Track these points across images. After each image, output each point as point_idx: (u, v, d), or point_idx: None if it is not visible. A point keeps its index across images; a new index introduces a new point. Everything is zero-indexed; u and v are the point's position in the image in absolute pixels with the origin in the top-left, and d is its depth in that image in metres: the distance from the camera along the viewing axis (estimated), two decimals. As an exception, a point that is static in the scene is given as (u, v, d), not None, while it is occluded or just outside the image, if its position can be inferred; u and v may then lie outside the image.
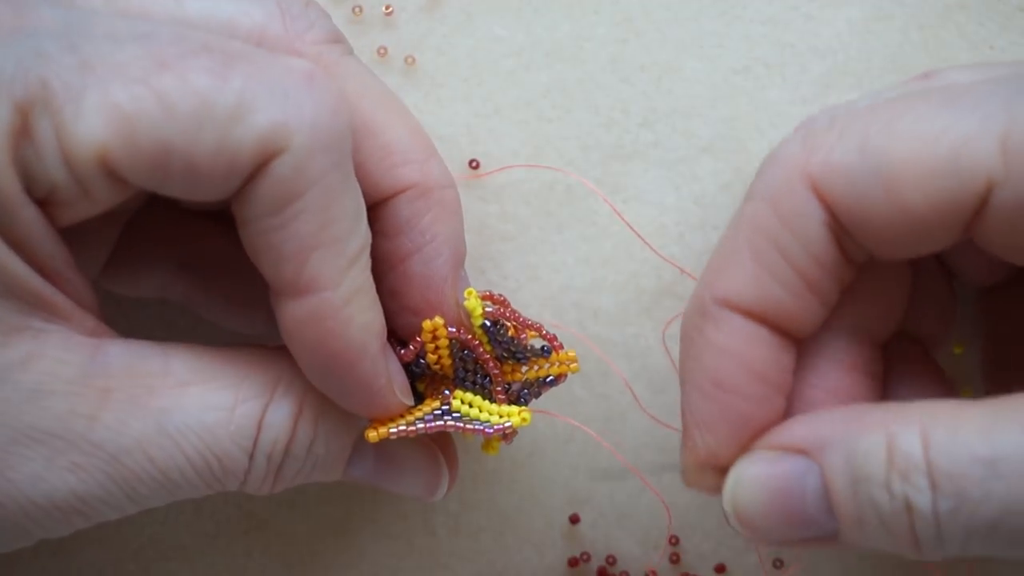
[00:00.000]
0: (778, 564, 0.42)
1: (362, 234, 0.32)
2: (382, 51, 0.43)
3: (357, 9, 0.43)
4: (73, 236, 0.35)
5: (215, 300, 0.39)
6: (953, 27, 0.43)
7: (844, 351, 0.35)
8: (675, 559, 0.42)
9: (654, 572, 0.42)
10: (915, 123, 0.31)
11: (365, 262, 0.33)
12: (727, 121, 0.42)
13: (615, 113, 0.43)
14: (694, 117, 0.43)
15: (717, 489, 0.34)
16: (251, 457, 0.33)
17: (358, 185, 0.33)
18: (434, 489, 0.38)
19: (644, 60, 0.43)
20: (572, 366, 0.37)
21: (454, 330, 0.35)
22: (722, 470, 0.34)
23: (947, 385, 0.37)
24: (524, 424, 0.35)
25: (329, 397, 0.34)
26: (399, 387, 0.35)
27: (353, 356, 0.32)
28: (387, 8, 0.43)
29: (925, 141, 0.30)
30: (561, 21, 0.43)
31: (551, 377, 0.37)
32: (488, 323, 0.36)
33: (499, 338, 0.36)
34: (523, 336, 0.36)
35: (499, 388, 0.36)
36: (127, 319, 0.42)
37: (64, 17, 0.31)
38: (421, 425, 0.35)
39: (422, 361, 0.36)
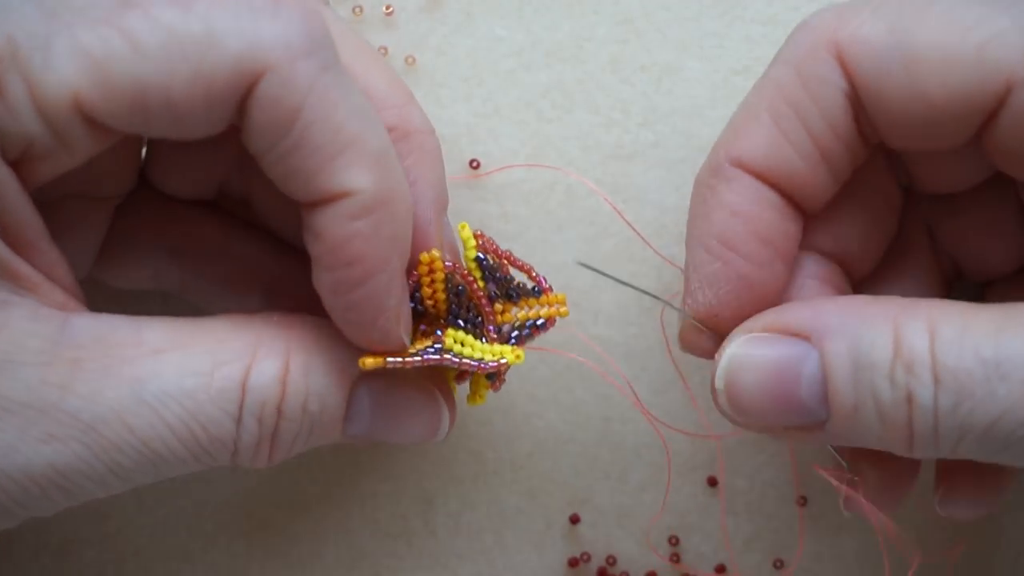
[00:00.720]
0: (778, 564, 0.42)
1: (379, 130, 0.32)
2: (382, 51, 0.42)
3: (357, 9, 0.43)
4: (64, 227, 0.34)
5: (208, 286, 0.39)
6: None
7: (821, 272, 0.36)
8: (675, 559, 0.42)
9: (654, 573, 0.42)
10: (948, 12, 0.31)
11: (392, 162, 0.32)
12: (727, 121, 0.42)
13: (615, 113, 0.43)
14: (694, 117, 0.43)
15: (709, 354, 0.34)
16: (238, 422, 0.32)
17: (356, 84, 0.32)
18: (436, 429, 0.36)
19: (644, 60, 0.43)
20: (562, 309, 0.36)
21: (450, 263, 0.35)
22: (718, 335, 0.34)
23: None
24: (518, 362, 0.35)
25: (333, 315, 0.33)
26: (404, 320, 0.34)
27: (372, 265, 0.32)
28: (387, 8, 0.43)
29: (953, 31, 0.30)
30: (561, 21, 0.43)
31: (541, 320, 0.36)
32: (482, 255, 0.35)
33: (492, 272, 0.36)
34: (510, 275, 0.36)
35: (491, 327, 0.36)
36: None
37: None
38: (418, 358, 0.34)
39: (416, 294, 0.35)
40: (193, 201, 0.39)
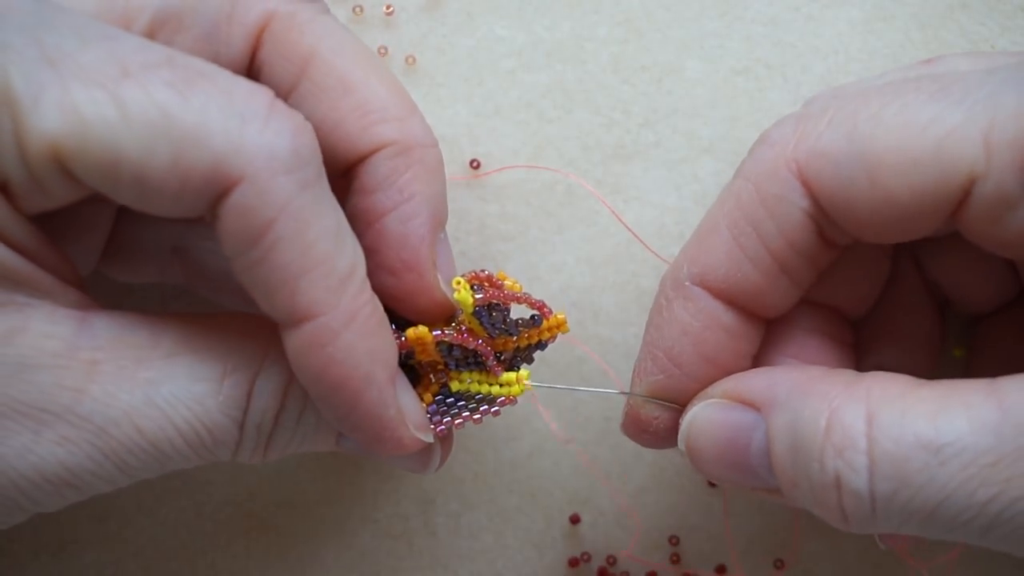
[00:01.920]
0: (779, 564, 0.42)
1: (350, 252, 0.32)
2: (382, 51, 0.42)
3: (358, 9, 0.43)
4: (68, 226, 0.34)
5: (212, 280, 0.39)
6: (954, 27, 0.43)
7: (815, 323, 0.37)
8: (675, 559, 0.42)
9: (654, 573, 0.42)
10: (902, 112, 0.31)
11: (361, 282, 0.32)
12: (728, 121, 0.42)
13: (616, 113, 0.43)
14: (695, 117, 0.42)
15: (647, 443, 0.36)
16: (241, 428, 0.33)
17: (337, 203, 0.32)
18: (427, 463, 0.37)
19: (645, 61, 0.43)
20: (562, 328, 0.36)
21: (439, 333, 0.35)
22: (654, 430, 0.36)
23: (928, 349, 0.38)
24: (528, 390, 0.36)
25: (342, 431, 0.34)
26: (413, 421, 0.34)
27: (357, 385, 0.32)
28: (387, 8, 0.43)
29: (911, 131, 0.31)
30: (562, 21, 0.43)
31: (542, 342, 0.37)
32: (480, 309, 0.35)
33: (492, 321, 0.35)
34: (508, 311, 0.36)
35: (492, 366, 0.36)
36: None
37: (34, 7, 0.30)
38: (443, 427, 0.35)
39: (410, 360, 0.36)
40: None
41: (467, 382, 0.36)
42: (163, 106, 0.29)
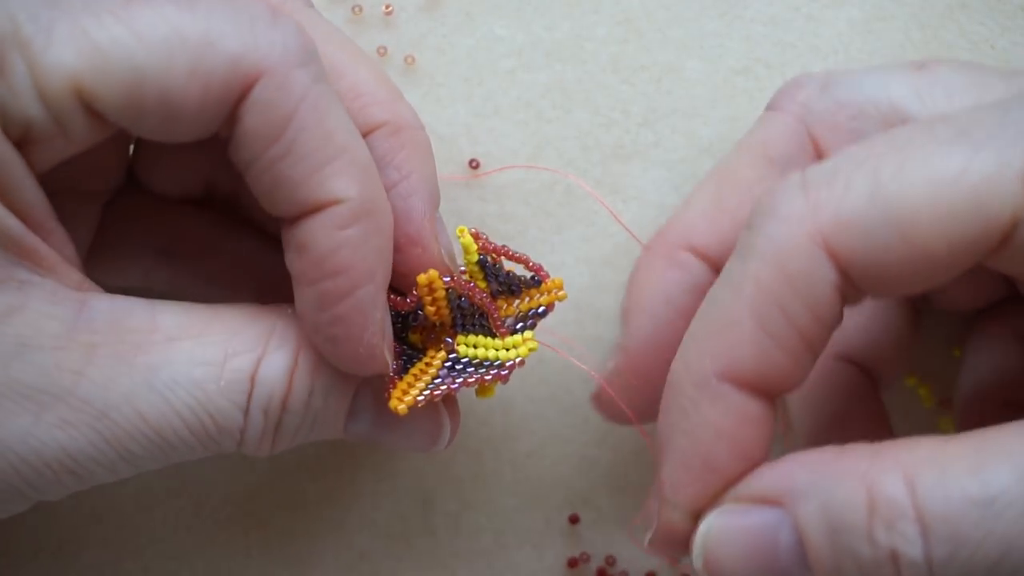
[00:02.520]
0: (778, 564, 0.42)
1: (364, 145, 0.32)
2: (382, 51, 0.42)
3: (357, 8, 0.43)
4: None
5: (198, 284, 0.39)
6: (954, 27, 0.43)
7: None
8: (675, 559, 0.42)
9: (654, 573, 0.42)
10: (927, 165, 0.29)
11: (376, 175, 0.32)
12: (728, 121, 0.42)
13: (615, 113, 0.43)
14: (695, 117, 0.42)
15: (683, 553, 0.33)
16: (246, 413, 0.32)
17: (341, 99, 0.32)
18: (436, 439, 0.36)
19: (644, 60, 0.43)
20: (560, 293, 0.36)
21: (449, 279, 0.35)
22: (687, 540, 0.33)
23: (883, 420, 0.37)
24: (533, 351, 0.35)
25: (316, 335, 0.33)
26: (387, 338, 0.34)
27: (358, 276, 0.32)
28: (387, 8, 0.43)
29: (942, 184, 0.29)
30: (561, 21, 0.43)
31: (543, 307, 0.36)
32: (483, 257, 0.35)
33: (494, 272, 0.36)
34: (510, 270, 0.36)
35: (498, 323, 0.36)
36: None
37: None
38: (444, 387, 0.34)
39: (420, 313, 0.36)
40: (182, 199, 0.39)
41: (473, 347, 0.36)
42: (173, 21, 0.29)
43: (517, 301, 0.36)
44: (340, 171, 0.31)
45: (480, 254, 0.35)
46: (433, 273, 0.34)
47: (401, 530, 0.42)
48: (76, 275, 0.32)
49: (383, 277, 0.33)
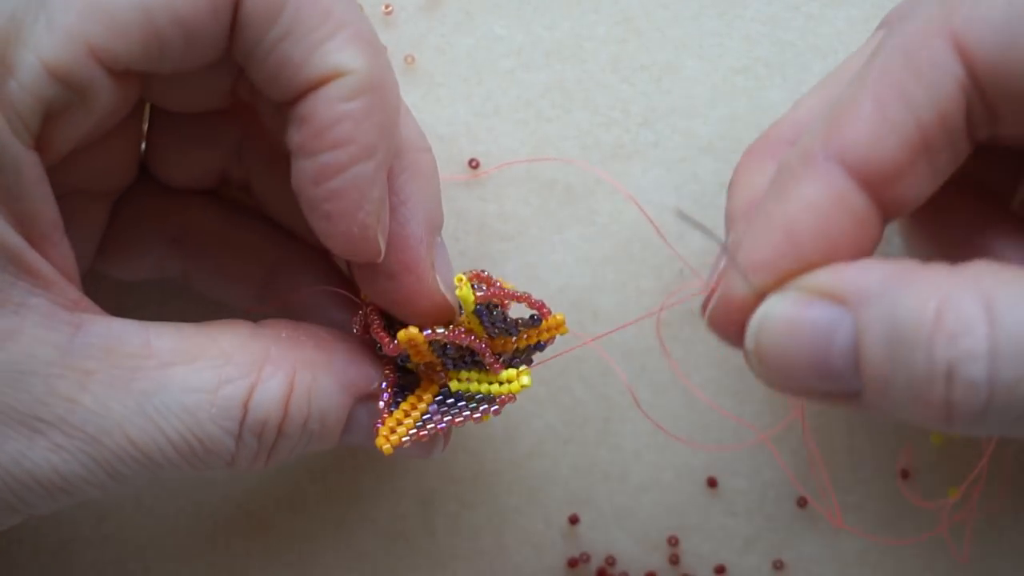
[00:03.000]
0: (778, 565, 0.42)
1: (367, 20, 0.32)
2: (381, 51, 0.42)
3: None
4: (64, 223, 0.35)
5: (210, 274, 0.39)
6: (954, 26, 0.43)
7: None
8: (674, 560, 0.42)
9: (653, 573, 0.42)
10: None
11: (381, 48, 0.32)
12: (727, 121, 0.42)
13: (615, 113, 0.43)
14: (694, 117, 0.42)
15: (735, 339, 0.32)
16: (238, 438, 0.32)
17: None
18: (431, 450, 0.37)
19: (644, 60, 0.43)
20: (561, 329, 0.36)
21: (430, 332, 0.34)
22: (744, 322, 0.31)
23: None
24: (526, 388, 0.35)
25: (310, 211, 0.32)
26: (382, 224, 0.33)
27: (360, 149, 0.31)
28: (387, 7, 0.43)
29: None
30: (561, 20, 0.43)
31: (542, 342, 0.36)
32: (480, 307, 0.35)
33: (492, 319, 0.35)
34: (508, 311, 0.36)
35: (491, 359, 0.36)
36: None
37: None
38: (432, 427, 0.34)
39: (406, 363, 0.36)
40: (193, 190, 0.39)
41: (466, 381, 0.36)
42: None
43: (515, 338, 0.36)
44: (344, 44, 0.31)
45: (478, 304, 0.35)
46: (413, 331, 0.34)
47: (401, 530, 0.42)
48: (73, 292, 0.32)
49: (384, 155, 0.32)
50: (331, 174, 0.31)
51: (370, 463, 0.42)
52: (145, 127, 0.37)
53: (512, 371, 0.36)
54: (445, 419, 0.35)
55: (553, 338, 0.36)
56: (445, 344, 0.35)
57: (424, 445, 0.36)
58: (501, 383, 0.36)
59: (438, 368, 0.36)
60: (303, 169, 0.32)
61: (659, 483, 0.42)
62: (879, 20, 0.43)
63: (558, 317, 0.36)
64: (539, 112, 0.42)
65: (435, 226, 0.35)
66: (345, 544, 0.42)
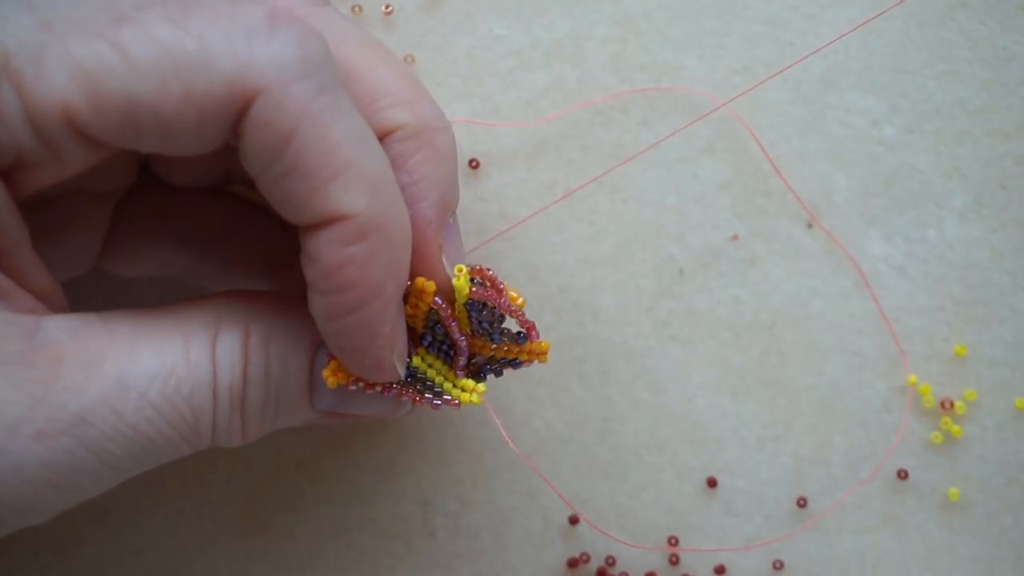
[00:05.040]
0: (778, 565, 0.42)
1: (375, 154, 0.31)
2: (381, 51, 0.42)
3: (356, 8, 0.43)
4: (65, 223, 0.34)
5: (215, 270, 0.39)
6: (954, 26, 0.43)
7: None
8: (674, 560, 0.42)
9: (653, 573, 0.42)
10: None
11: (389, 185, 0.32)
12: (727, 121, 0.42)
13: (615, 113, 0.42)
14: (693, 117, 0.42)
15: None
16: (214, 392, 0.32)
17: (355, 108, 0.32)
18: (398, 405, 0.37)
19: (644, 60, 0.43)
20: (541, 357, 0.36)
21: (440, 301, 0.34)
22: None
23: None
24: (473, 404, 0.35)
25: (327, 340, 0.33)
26: (398, 348, 0.34)
27: (364, 293, 0.31)
28: (387, 8, 0.43)
29: None
30: (561, 20, 0.43)
31: (517, 361, 0.36)
32: (471, 302, 0.35)
33: (480, 319, 0.35)
34: (503, 318, 0.36)
35: (460, 366, 0.35)
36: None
37: None
38: (379, 386, 0.34)
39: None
40: (195, 187, 0.39)
41: (428, 366, 0.35)
42: (164, 42, 0.29)
43: (494, 347, 0.36)
44: (345, 187, 0.30)
45: (471, 298, 0.35)
46: (431, 286, 0.34)
47: (401, 530, 0.42)
48: (30, 300, 0.31)
49: (394, 291, 0.32)
50: (341, 314, 0.32)
51: (370, 463, 0.42)
52: None
53: (470, 382, 0.35)
54: (395, 386, 0.35)
55: (531, 362, 0.36)
56: (435, 323, 0.35)
57: (384, 403, 0.36)
58: (455, 386, 0.35)
59: (414, 337, 0.36)
60: (316, 303, 0.32)
61: (659, 483, 0.42)
62: (879, 20, 0.43)
63: (543, 344, 0.35)
64: (539, 112, 0.42)
65: (448, 207, 0.35)
66: (345, 544, 0.42)
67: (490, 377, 0.36)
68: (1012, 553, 0.42)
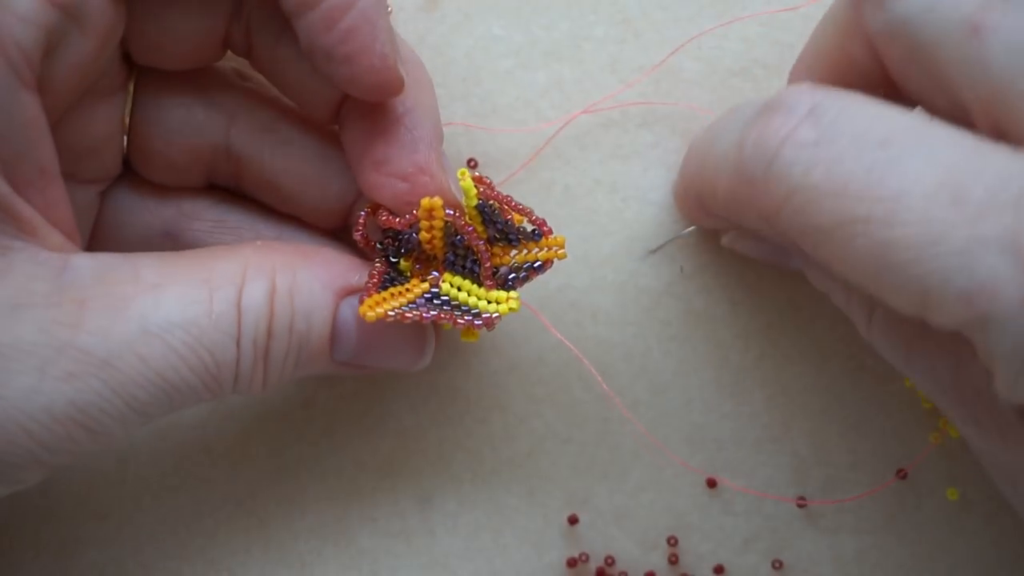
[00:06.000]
0: (778, 565, 0.42)
1: None
2: (381, 51, 0.43)
3: (357, 10, 0.43)
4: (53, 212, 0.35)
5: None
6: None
7: None
8: (674, 559, 0.42)
9: (653, 573, 0.42)
10: None
11: None
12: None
13: (614, 113, 0.43)
14: (693, 118, 0.43)
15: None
16: (238, 342, 0.33)
17: None
18: (420, 354, 0.37)
19: (643, 60, 0.43)
20: (560, 251, 0.36)
21: (451, 212, 0.35)
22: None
23: None
24: (513, 311, 0.35)
25: (329, 63, 0.33)
26: (397, 50, 0.34)
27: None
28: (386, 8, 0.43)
29: None
30: (559, 21, 0.43)
31: (539, 263, 0.36)
32: (482, 202, 0.35)
33: (493, 219, 0.35)
34: (511, 218, 0.36)
35: (488, 273, 0.36)
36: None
37: None
38: (416, 312, 0.34)
39: (414, 237, 0.36)
40: (181, 187, 0.39)
41: (456, 289, 0.35)
42: None
43: (514, 252, 0.36)
44: None
45: (480, 199, 0.35)
46: (437, 201, 0.34)
47: (400, 529, 0.42)
48: (58, 237, 0.32)
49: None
50: (339, 15, 0.32)
51: (371, 462, 0.42)
52: (127, 122, 0.37)
53: (502, 293, 0.35)
54: (431, 312, 0.35)
55: (551, 262, 0.36)
56: (456, 235, 0.35)
57: (416, 350, 0.36)
58: (490, 301, 0.35)
59: (437, 263, 0.36)
60: (311, 23, 0.32)
61: (659, 483, 0.42)
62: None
63: (559, 238, 0.36)
64: (538, 112, 0.43)
65: (440, 134, 0.36)
66: (344, 542, 0.42)
67: (519, 291, 0.36)
68: (1012, 553, 0.42)
